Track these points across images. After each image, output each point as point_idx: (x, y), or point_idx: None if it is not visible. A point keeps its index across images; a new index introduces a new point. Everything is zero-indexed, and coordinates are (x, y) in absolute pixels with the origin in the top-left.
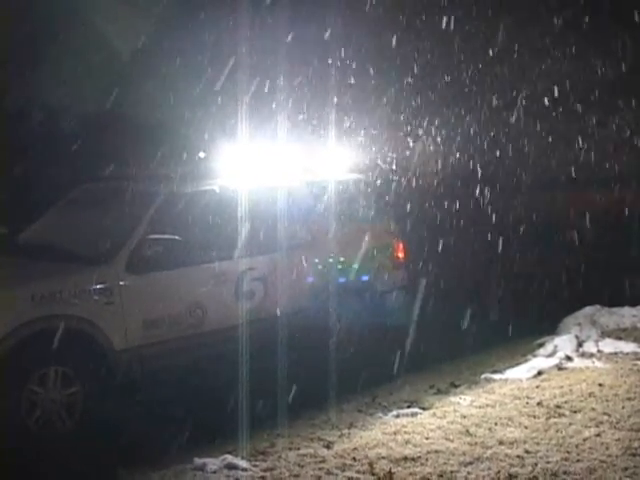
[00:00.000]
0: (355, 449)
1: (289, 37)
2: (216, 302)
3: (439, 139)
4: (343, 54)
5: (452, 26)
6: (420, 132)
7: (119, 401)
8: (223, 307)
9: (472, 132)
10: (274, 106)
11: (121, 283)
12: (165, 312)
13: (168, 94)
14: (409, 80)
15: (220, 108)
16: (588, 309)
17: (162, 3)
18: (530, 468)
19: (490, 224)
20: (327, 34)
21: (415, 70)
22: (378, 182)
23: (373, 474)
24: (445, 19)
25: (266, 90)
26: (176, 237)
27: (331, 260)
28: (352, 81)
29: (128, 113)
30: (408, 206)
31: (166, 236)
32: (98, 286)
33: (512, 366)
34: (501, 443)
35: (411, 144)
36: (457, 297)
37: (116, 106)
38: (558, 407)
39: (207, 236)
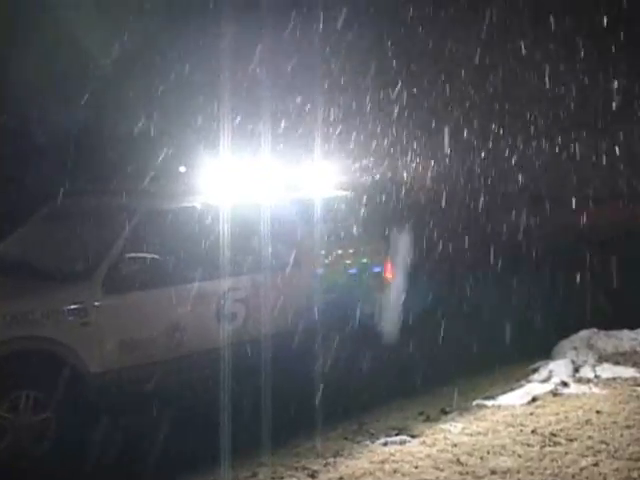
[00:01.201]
0: (341, 479)
1: (273, 50)
2: (196, 324)
3: (430, 155)
4: (331, 68)
5: (442, 40)
6: (410, 148)
7: (94, 427)
8: (204, 329)
9: (464, 148)
10: (258, 120)
11: (97, 303)
12: (143, 334)
13: (147, 107)
14: (398, 94)
15: (202, 121)
16: (584, 332)
17: (143, 15)
18: None
19: (486, 241)
20: (314, 47)
21: (404, 84)
22: (366, 199)
23: None
24: (439, 33)
25: (249, 103)
26: (155, 256)
27: (316, 280)
28: (339, 95)
29: (106, 126)
30: (398, 223)
31: (144, 254)
32: (73, 306)
33: (505, 392)
34: (493, 473)
35: (401, 160)
36: (449, 319)
37: (93, 119)
38: (553, 435)
39: (187, 255)
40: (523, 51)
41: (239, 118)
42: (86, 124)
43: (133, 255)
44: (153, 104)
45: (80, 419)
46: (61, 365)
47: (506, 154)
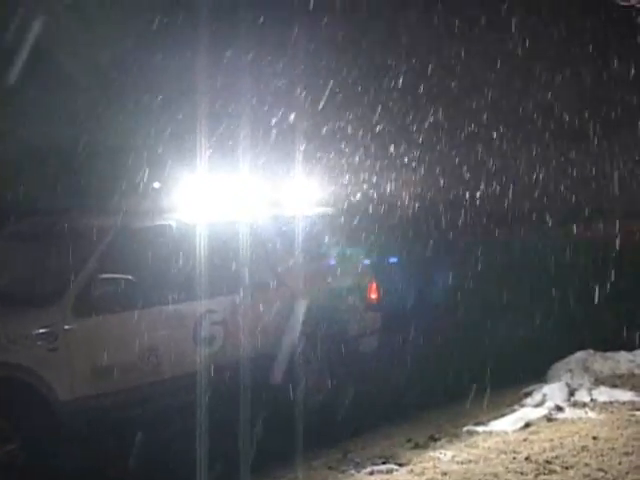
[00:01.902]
0: None
1: (253, 65)
2: (172, 348)
3: (414, 171)
4: (312, 83)
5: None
6: (394, 164)
7: (64, 458)
8: (180, 353)
9: (449, 164)
10: (237, 135)
11: (67, 327)
12: (116, 359)
13: (121, 121)
14: (382, 109)
15: (177, 136)
16: (580, 354)
17: (121, 31)
18: None
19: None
20: (295, 63)
21: (387, 100)
22: (350, 217)
23: None
24: (424, 47)
25: (228, 117)
26: (128, 277)
27: (298, 301)
28: (321, 109)
29: (77, 141)
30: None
31: (117, 275)
32: (41, 330)
33: (497, 417)
34: None
35: (386, 176)
36: (436, 340)
37: (63, 135)
38: (548, 462)
39: (162, 275)
40: (512, 60)
41: (217, 133)
42: (56, 140)
43: (105, 276)
44: (126, 118)
45: (49, 450)
46: (28, 393)
47: (494, 169)
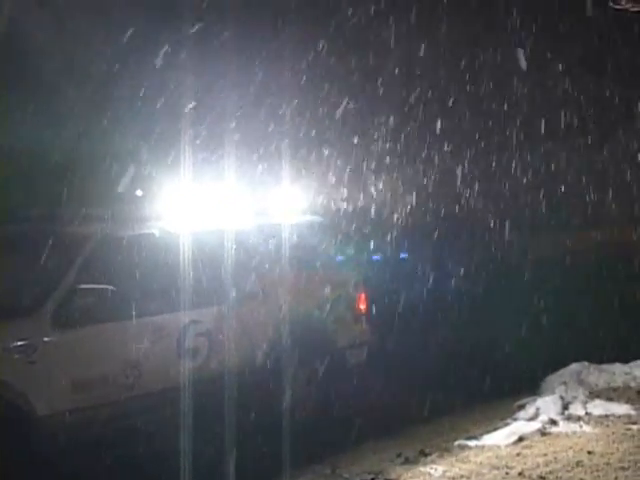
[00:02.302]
0: None
1: (238, 71)
2: (155, 360)
3: (405, 178)
4: (299, 89)
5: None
6: (383, 172)
7: (42, 474)
8: (163, 366)
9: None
10: (222, 141)
11: (46, 339)
12: (97, 372)
13: (102, 126)
14: (369, 117)
15: (161, 142)
16: (574, 366)
17: (103, 35)
18: None
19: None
20: (281, 68)
21: (375, 107)
22: (338, 225)
23: None
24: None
25: (213, 123)
26: (110, 287)
27: (285, 313)
28: (308, 117)
29: (57, 147)
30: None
31: (98, 286)
32: (19, 343)
33: (489, 431)
34: None
35: (376, 184)
36: (426, 353)
37: (42, 140)
38: (542, 478)
39: (145, 286)
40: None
41: (202, 139)
42: (35, 145)
43: (86, 286)
44: (108, 124)
45: (27, 465)
46: (5, 407)
47: (484, 176)
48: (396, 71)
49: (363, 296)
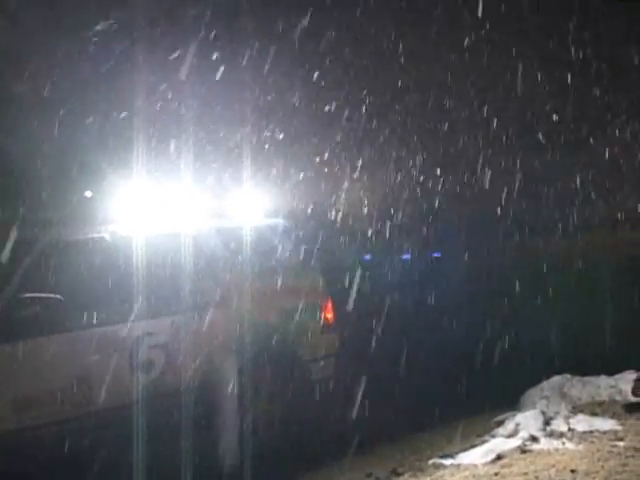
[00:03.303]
0: None
1: (198, 66)
2: (106, 375)
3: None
4: (259, 84)
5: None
6: (350, 172)
7: None
8: (115, 381)
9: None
10: (178, 140)
11: None
12: (41, 389)
13: (47, 121)
14: (334, 116)
15: (113, 139)
16: (556, 378)
17: (52, 33)
18: None
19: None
20: (242, 65)
21: (340, 104)
22: (304, 228)
23: None
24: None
25: (169, 121)
26: (56, 296)
27: (246, 322)
28: (270, 115)
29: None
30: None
31: (44, 294)
32: None
33: (465, 449)
34: None
35: (345, 184)
36: (397, 365)
37: None
38: None
39: (95, 294)
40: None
41: (156, 137)
42: None
43: (29, 295)
44: (55, 121)
45: None
46: None
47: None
48: (367, 63)
49: (330, 304)
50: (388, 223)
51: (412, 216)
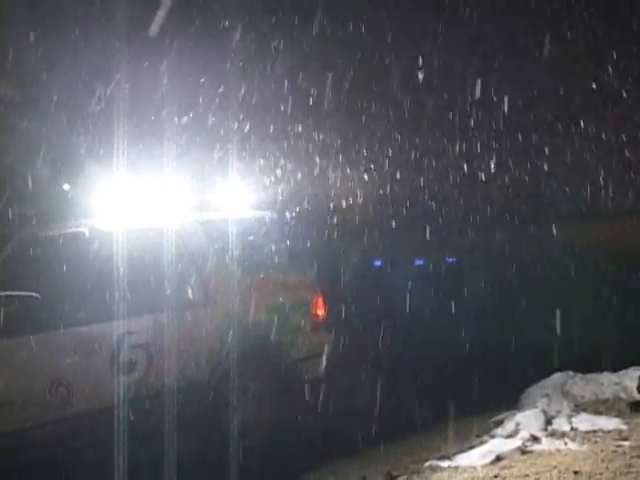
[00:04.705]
0: None
1: (180, 55)
2: (85, 377)
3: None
4: (246, 77)
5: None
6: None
7: None
8: (95, 383)
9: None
10: (161, 130)
11: None
12: (17, 392)
13: (24, 115)
14: (322, 107)
15: (92, 131)
16: (558, 376)
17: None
18: None
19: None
20: (226, 56)
21: (328, 97)
22: (293, 221)
23: None
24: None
25: (151, 111)
26: (33, 294)
27: (232, 319)
28: (256, 106)
29: None
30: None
31: (19, 292)
32: None
33: (464, 450)
34: None
35: (333, 176)
36: (391, 363)
37: None
38: None
39: (73, 292)
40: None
41: (139, 130)
42: None
43: (5, 293)
44: (31, 111)
45: None
46: None
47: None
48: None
49: (321, 301)
50: (394, 224)
51: (416, 217)
